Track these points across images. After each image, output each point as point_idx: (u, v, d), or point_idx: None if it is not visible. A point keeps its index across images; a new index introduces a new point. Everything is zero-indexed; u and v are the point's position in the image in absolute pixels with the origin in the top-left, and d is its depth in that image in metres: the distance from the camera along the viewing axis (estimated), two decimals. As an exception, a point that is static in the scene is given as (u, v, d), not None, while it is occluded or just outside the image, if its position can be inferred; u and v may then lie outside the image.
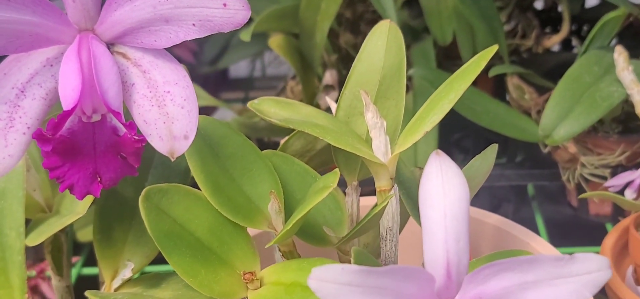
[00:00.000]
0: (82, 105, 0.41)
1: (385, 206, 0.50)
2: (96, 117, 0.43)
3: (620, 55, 0.76)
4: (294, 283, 0.49)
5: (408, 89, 1.00)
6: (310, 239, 0.54)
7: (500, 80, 1.00)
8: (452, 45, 0.97)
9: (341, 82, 0.92)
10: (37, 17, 0.42)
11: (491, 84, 1.04)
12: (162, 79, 0.44)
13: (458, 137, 1.12)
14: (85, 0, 0.43)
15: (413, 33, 1.01)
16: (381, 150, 0.55)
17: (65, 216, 0.56)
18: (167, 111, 0.44)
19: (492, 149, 0.60)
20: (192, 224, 0.51)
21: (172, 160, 0.44)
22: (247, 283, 0.51)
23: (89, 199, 0.52)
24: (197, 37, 0.42)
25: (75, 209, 0.54)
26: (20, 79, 0.44)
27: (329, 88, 0.88)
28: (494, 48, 0.55)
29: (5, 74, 0.44)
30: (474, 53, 0.97)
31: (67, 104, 0.41)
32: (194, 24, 0.42)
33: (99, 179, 0.44)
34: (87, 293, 0.53)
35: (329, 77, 0.89)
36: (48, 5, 0.42)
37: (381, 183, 0.56)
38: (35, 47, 0.43)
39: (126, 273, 0.55)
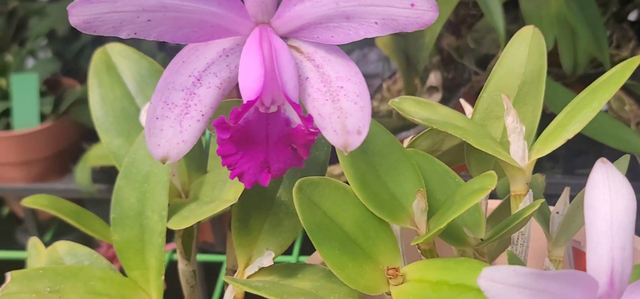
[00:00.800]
0: (263, 96, 0.42)
1: (532, 212, 0.51)
2: (273, 109, 0.43)
3: None
4: (440, 281, 0.50)
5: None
6: (450, 239, 0.54)
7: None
8: (550, 53, 0.97)
9: (444, 84, 0.93)
10: (221, 8, 0.43)
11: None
12: (335, 74, 0.45)
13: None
14: (266, -6, 0.44)
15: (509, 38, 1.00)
16: (519, 154, 0.56)
17: (207, 203, 0.57)
18: (340, 105, 0.45)
19: (624, 161, 0.60)
20: (340, 217, 0.51)
21: (345, 153, 0.45)
22: (390, 278, 0.52)
23: (240, 187, 0.53)
24: (376, 35, 0.43)
25: (221, 197, 0.55)
26: (198, 67, 0.45)
27: (432, 89, 0.89)
28: (637, 59, 0.55)
29: (183, 62, 0.45)
30: (575, 61, 0.97)
31: (249, 94, 0.42)
32: (376, 22, 0.43)
33: (268, 168, 0.45)
34: (225, 279, 0.54)
35: (433, 78, 0.89)
36: (228, -4, 0.43)
37: (517, 187, 0.56)
38: (215, 37, 0.44)
39: (265, 261, 0.56)
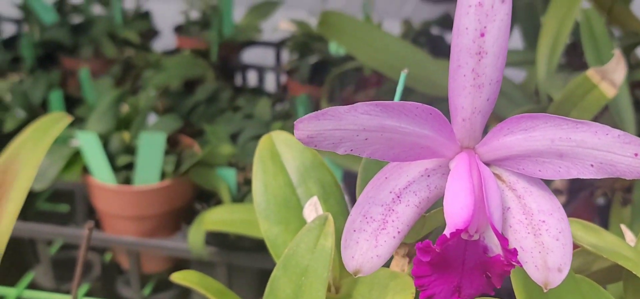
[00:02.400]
0: (470, 225, 0.43)
1: None
2: (475, 237, 0.43)
3: None
4: None
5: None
6: None
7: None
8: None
9: (568, 188, 0.92)
10: (434, 132, 0.44)
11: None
12: (537, 207, 0.45)
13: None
14: (475, 121, 0.44)
15: None
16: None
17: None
18: (542, 240, 0.44)
19: None
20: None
21: (544, 291, 0.45)
22: None
23: (407, 297, 0.53)
24: (590, 177, 0.43)
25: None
26: (399, 185, 0.46)
27: (557, 192, 0.88)
28: None
29: (386, 178, 0.45)
30: None
31: (457, 221, 0.42)
32: (592, 165, 0.43)
33: (458, 293, 0.45)
34: None
35: (559, 182, 0.89)
36: (443, 121, 0.44)
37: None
38: (420, 157, 0.45)
39: None
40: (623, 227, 0.62)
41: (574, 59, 1.11)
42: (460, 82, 0.43)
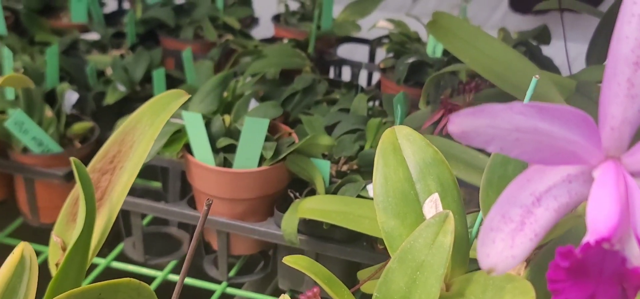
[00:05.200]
0: (614, 234, 0.42)
1: None
2: (617, 247, 0.43)
3: None
4: None
5: None
6: None
7: None
8: None
9: None
10: (583, 138, 0.44)
11: None
12: (674, 222, 0.44)
13: None
14: (624, 130, 0.44)
15: None
16: None
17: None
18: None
19: None
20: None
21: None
22: None
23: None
24: None
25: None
26: (539, 188, 0.46)
27: None
28: None
29: (528, 180, 0.45)
30: None
31: (601, 229, 0.42)
32: None
33: (592, 302, 0.45)
34: None
35: None
36: (593, 128, 0.44)
37: None
38: (565, 162, 0.45)
39: None
40: None
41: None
42: (614, 90, 0.43)
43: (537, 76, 0.57)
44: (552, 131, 0.43)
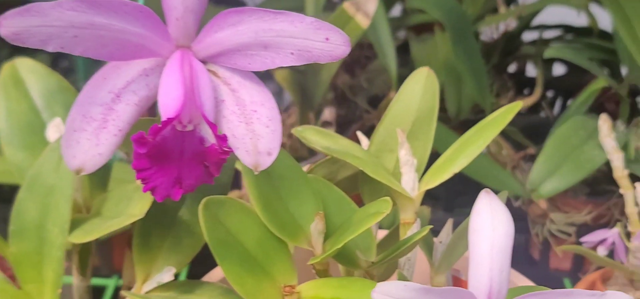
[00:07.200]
0: (182, 114, 0.45)
1: (420, 238, 0.55)
2: (190, 127, 0.46)
3: (604, 123, 0.83)
4: (333, 297, 0.53)
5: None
6: (344, 260, 0.58)
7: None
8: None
9: (337, 120, 0.98)
10: (145, 30, 0.46)
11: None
12: (249, 99, 0.48)
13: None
14: (188, 19, 0.47)
15: (400, 80, 1.07)
16: (410, 185, 0.60)
17: (111, 218, 0.58)
18: (253, 128, 0.48)
19: (503, 195, 0.65)
20: (242, 235, 0.54)
21: (255, 173, 0.48)
22: (286, 295, 0.55)
23: (147, 203, 0.55)
24: (292, 65, 0.47)
25: (127, 212, 0.57)
26: (118, 84, 0.47)
27: (326, 124, 0.93)
28: (518, 104, 0.61)
29: (104, 79, 0.47)
30: (459, 106, 1.04)
31: (168, 112, 0.45)
32: (292, 53, 0.46)
33: (180, 184, 0.47)
34: (124, 293, 0.56)
35: (328, 114, 0.94)
36: (155, 20, 0.46)
37: (406, 216, 0.61)
38: (136, 57, 0.47)
39: (165, 276, 0.58)
40: (359, 134, 0.67)
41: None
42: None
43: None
44: (111, 24, 0.44)
